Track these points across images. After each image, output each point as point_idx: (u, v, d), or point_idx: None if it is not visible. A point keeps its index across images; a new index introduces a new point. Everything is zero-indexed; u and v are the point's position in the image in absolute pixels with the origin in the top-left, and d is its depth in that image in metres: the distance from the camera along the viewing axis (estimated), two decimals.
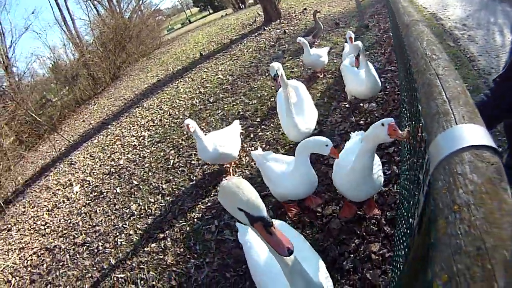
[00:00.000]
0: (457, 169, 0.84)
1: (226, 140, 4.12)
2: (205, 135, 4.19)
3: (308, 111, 3.92)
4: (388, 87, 4.98)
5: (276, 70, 3.51)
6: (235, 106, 6.44)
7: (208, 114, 6.69)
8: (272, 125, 5.12)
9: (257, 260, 2.05)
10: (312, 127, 3.86)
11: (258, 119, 5.47)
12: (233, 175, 4.38)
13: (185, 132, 6.34)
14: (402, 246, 1.73)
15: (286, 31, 8.84)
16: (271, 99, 5.97)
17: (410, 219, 1.46)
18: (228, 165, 4.49)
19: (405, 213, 1.89)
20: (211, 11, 45.27)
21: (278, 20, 11.51)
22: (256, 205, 1.38)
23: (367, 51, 6.45)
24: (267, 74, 7.31)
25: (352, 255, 2.70)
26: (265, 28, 10.98)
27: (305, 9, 7.74)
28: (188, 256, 3.50)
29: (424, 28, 1.92)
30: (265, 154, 3.32)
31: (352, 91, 4.42)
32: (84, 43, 19.53)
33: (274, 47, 8.84)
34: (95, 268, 4.08)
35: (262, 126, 5.22)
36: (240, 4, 27.70)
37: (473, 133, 0.92)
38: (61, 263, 4.54)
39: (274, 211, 3.51)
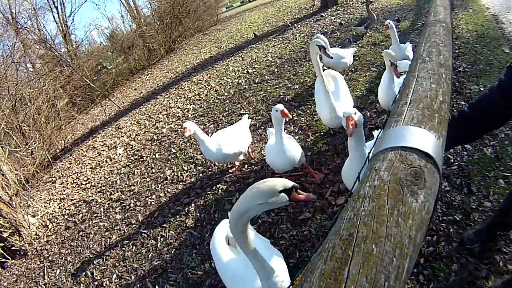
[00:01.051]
0: (376, 165, 0.92)
1: (231, 139, 3.99)
2: (213, 134, 4.24)
3: (345, 98, 4.01)
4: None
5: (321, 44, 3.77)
6: (277, 89, 6.57)
7: (251, 94, 6.87)
8: (308, 111, 5.24)
9: (225, 263, 2.26)
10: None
11: (296, 104, 5.60)
12: (240, 169, 4.49)
13: (226, 109, 6.61)
14: None
15: (342, 22, 8.78)
16: (313, 86, 6.05)
17: None
18: (237, 163, 4.53)
19: None
20: None
21: (335, 7, 11.38)
22: (286, 182, 1.47)
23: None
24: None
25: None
26: (322, 14, 10.91)
27: (370, 1, 7.57)
28: (206, 222, 3.83)
29: (439, 29, 1.93)
30: (272, 129, 3.60)
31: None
32: (142, 16, 20.16)
33: (326, 34, 8.82)
34: (123, 222, 4.56)
35: (299, 111, 5.34)
36: None
37: (412, 136, 0.98)
38: (95, 215, 5.10)
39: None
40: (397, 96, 1.41)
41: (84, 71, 14.30)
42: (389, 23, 5.09)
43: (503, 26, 6.61)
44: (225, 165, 4.72)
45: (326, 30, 9.16)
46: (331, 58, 3.97)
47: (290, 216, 3.40)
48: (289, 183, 1.46)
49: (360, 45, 7.27)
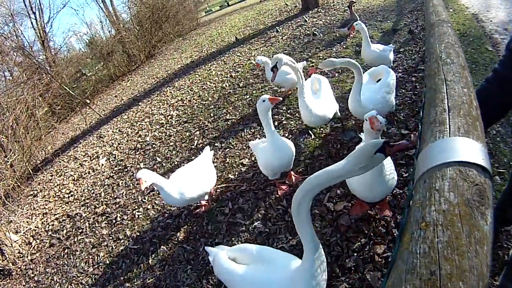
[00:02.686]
0: (436, 185, 0.81)
1: (194, 180, 3.52)
2: (172, 174, 3.70)
3: (326, 100, 4.02)
4: (418, 87, 4.89)
5: (276, 63, 3.68)
6: (263, 93, 6.46)
7: (236, 99, 6.75)
8: (297, 114, 5.12)
9: (242, 274, 2.17)
10: (328, 114, 3.92)
11: (284, 108, 5.49)
12: (208, 207, 4.00)
13: (212, 115, 6.46)
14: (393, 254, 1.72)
15: (316, 33, 8.67)
16: None
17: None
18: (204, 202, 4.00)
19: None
20: None
21: (316, 9, 11.37)
22: (377, 143, 1.52)
23: (401, 48, 6.35)
24: (299, 62, 7.27)
25: (356, 254, 2.72)
26: (304, 17, 10.88)
27: (353, 2, 7.59)
28: (198, 235, 3.64)
29: (448, 29, 1.86)
30: (259, 141, 3.65)
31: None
32: (121, 21, 19.87)
33: (309, 36, 8.77)
34: (111, 238, 4.32)
35: (287, 115, 5.24)
36: None
37: (465, 148, 0.87)
38: (80, 230, 4.83)
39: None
40: (424, 101, 1.33)
41: (63, 79, 13.96)
42: (358, 24, 5.12)
43: (484, 25, 6.66)
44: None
45: (308, 32, 9.09)
46: (272, 80, 3.93)
47: (288, 225, 3.26)
48: (380, 142, 1.49)
49: (344, 46, 7.24)
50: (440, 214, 0.73)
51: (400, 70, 5.43)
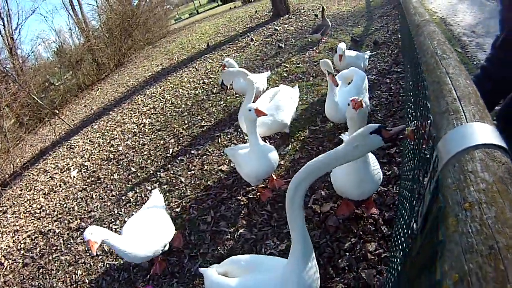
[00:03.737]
0: (468, 167, 0.82)
1: (149, 234, 2.96)
2: (123, 227, 3.05)
3: (282, 108, 4.06)
4: (393, 88, 4.91)
5: (222, 80, 4.00)
6: (237, 98, 6.38)
7: (210, 105, 6.63)
8: None
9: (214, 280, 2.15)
10: (284, 120, 4.04)
11: None
12: (163, 266, 3.34)
13: (186, 122, 6.29)
14: (400, 247, 1.72)
15: (281, 45, 8.58)
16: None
17: (412, 219, 1.44)
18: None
19: (405, 214, 1.87)
20: (219, 2, 44.80)
21: (287, 15, 11.40)
22: (372, 126, 1.55)
23: (374, 52, 6.38)
24: (271, 69, 7.22)
25: (348, 254, 2.68)
26: (275, 23, 10.88)
27: (324, 8, 7.65)
28: (182, 247, 3.46)
29: (435, 28, 1.90)
30: (234, 147, 3.57)
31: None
32: (90, 28, 19.37)
33: (281, 41, 8.75)
34: (88, 254, 4.04)
35: None
36: None
37: (484, 132, 0.90)
38: (54, 248, 4.49)
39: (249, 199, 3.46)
40: (428, 94, 1.34)
41: (31, 88, 13.38)
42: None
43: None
44: (191, 182, 4.39)
45: (280, 38, 9.06)
46: (225, 87, 4.12)
47: (275, 230, 3.18)
48: (374, 125, 1.52)
49: (317, 51, 7.24)
50: (481, 193, 0.74)
51: (374, 73, 5.45)
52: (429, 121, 1.19)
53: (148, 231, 2.96)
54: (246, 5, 21.10)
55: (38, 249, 4.65)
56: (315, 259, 1.83)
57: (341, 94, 3.85)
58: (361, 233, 2.83)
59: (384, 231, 2.77)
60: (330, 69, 3.65)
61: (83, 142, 8.06)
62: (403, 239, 1.67)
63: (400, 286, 1.47)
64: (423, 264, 1.05)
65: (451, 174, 0.86)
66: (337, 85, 3.74)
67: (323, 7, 7.86)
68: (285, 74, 6.69)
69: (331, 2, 11.91)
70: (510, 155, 0.85)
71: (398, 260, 1.68)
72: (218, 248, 3.24)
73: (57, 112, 12.29)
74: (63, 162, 7.36)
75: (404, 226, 1.66)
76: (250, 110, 3.05)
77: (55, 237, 4.70)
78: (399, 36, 6.63)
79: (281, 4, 11.51)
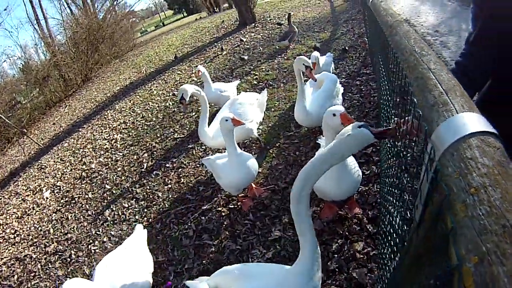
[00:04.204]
0: (467, 154, 0.85)
1: (126, 273, 2.61)
2: (98, 265, 2.69)
3: (241, 115, 4.02)
4: (363, 89, 5.01)
5: (182, 94, 3.86)
6: (209, 109, 6.32)
7: (182, 117, 6.57)
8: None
9: None
10: (248, 126, 4.04)
11: None
12: None
13: (158, 135, 6.20)
14: (392, 243, 1.74)
15: (245, 58, 8.58)
16: None
17: (408, 212, 1.45)
18: None
19: (392, 210, 1.89)
20: (185, 14, 44.74)
21: (253, 24, 11.46)
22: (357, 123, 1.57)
23: (341, 56, 6.48)
24: (240, 77, 7.24)
25: (336, 255, 2.69)
26: (242, 32, 10.92)
27: (291, 14, 7.77)
28: (166, 263, 3.37)
29: (409, 28, 1.92)
30: (211, 157, 3.52)
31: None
32: (57, 43, 18.91)
33: (249, 50, 8.78)
34: (68, 278, 3.84)
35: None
36: (215, 8, 27.59)
37: (476, 121, 0.93)
38: (32, 274, 4.27)
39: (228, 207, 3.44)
40: (412, 90, 1.34)
41: None
42: (200, 69, 5.39)
43: (416, 29, 7.05)
44: (169, 196, 4.32)
45: (247, 47, 9.09)
46: (184, 101, 4.03)
47: (260, 239, 3.15)
48: (359, 123, 1.54)
49: (285, 57, 7.29)
50: (484, 177, 0.76)
51: (343, 76, 5.54)
52: (418, 115, 1.20)
53: (123, 278, 2.57)
54: (212, 15, 21.16)
55: (16, 276, 4.40)
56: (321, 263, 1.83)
57: (311, 99, 3.88)
58: (347, 233, 2.85)
59: (370, 229, 2.80)
60: (307, 63, 3.61)
61: (54, 161, 7.80)
62: (394, 234, 1.69)
63: (397, 280, 1.48)
64: (428, 253, 1.07)
65: (450, 163, 0.88)
66: (315, 80, 3.76)
67: (289, 14, 7.95)
68: (255, 82, 6.71)
69: (296, 9, 12.07)
70: (501, 139, 0.89)
71: (393, 256, 1.69)
72: (204, 261, 3.17)
73: (26, 131, 11.85)
74: (35, 183, 7.10)
75: (396, 220, 1.67)
76: (226, 120, 3.01)
77: (32, 263, 4.48)
78: (366, 39, 6.76)
79: (247, 13, 11.58)
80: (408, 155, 1.60)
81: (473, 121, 0.92)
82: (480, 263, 0.63)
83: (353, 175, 2.60)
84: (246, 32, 10.69)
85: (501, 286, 0.58)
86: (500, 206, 0.69)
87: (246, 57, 8.22)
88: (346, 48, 6.54)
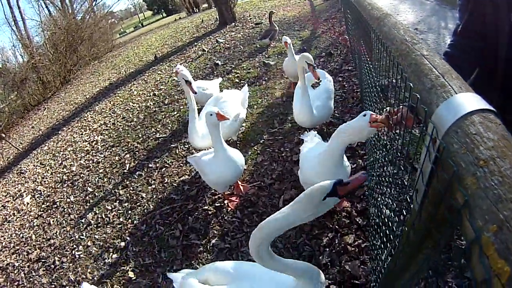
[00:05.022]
0: (471, 130, 0.85)
1: None
2: None
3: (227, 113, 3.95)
4: (346, 85, 5.00)
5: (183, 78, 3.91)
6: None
7: (163, 116, 6.46)
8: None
9: None
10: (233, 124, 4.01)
11: None
12: None
13: (140, 135, 6.06)
14: (383, 233, 1.73)
15: (219, 63, 8.44)
16: None
17: (407, 196, 1.40)
18: None
19: (387, 199, 1.85)
20: (164, 14, 44.34)
21: (233, 23, 11.40)
22: (325, 187, 1.42)
23: (322, 53, 6.47)
24: (222, 75, 7.16)
25: (327, 249, 2.66)
26: (222, 31, 10.84)
27: (272, 12, 7.75)
28: (153, 266, 3.25)
29: (397, 20, 1.89)
30: (197, 154, 3.45)
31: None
32: (35, 45, 18.44)
33: (229, 49, 8.70)
34: (53, 286, 3.69)
35: None
36: (194, 8, 27.40)
37: (475, 100, 0.93)
38: (16, 283, 4.06)
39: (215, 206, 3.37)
40: (406, 77, 1.32)
41: None
42: (287, 40, 4.91)
43: None
44: (153, 196, 4.20)
45: (228, 46, 9.01)
46: (195, 93, 3.98)
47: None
48: (328, 186, 1.41)
49: (266, 55, 7.25)
50: (491, 150, 0.77)
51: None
52: (416, 99, 1.18)
53: None
54: (192, 15, 20.99)
55: None
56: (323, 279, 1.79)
57: (311, 99, 3.59)
58: (337, 227, 2.82)
59: (359, 222, 2.79)
60: (311, 61, 3.45)
61: (34, 165, 7.56)
62: (387, 224, 1.66)
63: (397, 268, 1.44)
64: (427, 236, 1.07)
65: (455, 140, 0.88)
66: (318, 78, 3.65)
67: (270, 12, 7.93)
68: (237, 80, 6.64)
69: (277, 9, 12.08)
70: (500, 116, 0.89)
71: (384, 246, 1.68)
72: (192, 262, 3.07)
73: (4, 135, 11.50)
74: (14, 188, 6.85)
75: (384, 212, 1.65)
76: (211, 114, 2.93)
77: (15, 271, 4.27)
78: (346, 36, 6.76)
79: (227, 12, 11.53)
80: (394, 148, 1.58)
81: (472, 100, 0.93)
82: (499, 230, 0.63)
83: (345, 168, 2.56)
84: (226, 32, 10.63)
85: None
86: (511, 176, 0.69)
87: (219, 62, 8.06)
88: (331, 52, 6.40)
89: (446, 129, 0.92)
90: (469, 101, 0.93)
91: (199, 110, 4.28)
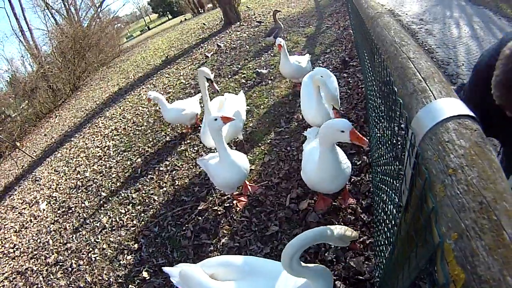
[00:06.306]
0: (444, 137, 0.88)
1: None
2: None
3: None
4: (351, 81, 5.05)
5: (204, 76, 3.88)
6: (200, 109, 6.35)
7: None
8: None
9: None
10: (236, 126, 4.09)
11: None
12: None
13: (150, 139, 6.20)
14: (386, 229, 1.78)
15: (220, 44, 8.57)
16: None
17: (396, 197, 1.51)
18: None
19: (385, 197, 1.92)
20: (170, 16, 44.46)
21: (238, 23, 11.47)
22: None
23: (327, 49, 6.52)
24: (229, 76, 7.25)
25: (333, 246, 2.71)
26: (227, 31, 10.93)
27: (277, 10, 7.81)
28: (167, 265, 3.34)
29: (390, 19, 1.96)
30: (205, 157, 3.56)
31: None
32: (43, 54, 18.75)
33: (235, 49, 8.79)
34: None
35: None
36: (199, 9, 27.46)
37: (452, 105, 0.96)
38: (35, 286, 4.24)
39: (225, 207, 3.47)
40: (392, 80, 1.40)
41: None
42: (281, 42, 4.97)
43: (401, 18, 7.09)
44: (165, 199, 4.33)
45: (234, 46, 9.10)
46: (218, 91, 4.14)
47: (257, 235, 3.18)
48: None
49: (272, 54, 7.32)
50: (461, 158, 0.80)
51: (330, 69, 5.58)
52: (399, 103, 1.25)
53: None
54: (197, 16, 21.05)
55: None
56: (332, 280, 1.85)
57: (319, 100, 3.57)
58: (342, 224, 2.87)
59: (364, 218, 2.85)
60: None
61: (48, 172, 7.76)
62: (387, 220, 1.73)
63: (392, 264, 1.51)
64: (417, 235, 1.10)
65: (429, 146, 0.92)
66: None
67: (275, 10, 7.97)
68: (243, 81, 6.72)
69: (281, 6, 12.09)
70: (478, 121, 0.91)
71: (387, 242, 1.73)
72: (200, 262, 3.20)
73: (17, 144, 11.77)
74: (30, 195, 7.07)
75: (389, 206, 1.71)
76: (216, 119, 3.00)
77: (33, 275, 4.45)
78: (351, 31, 6.79)
79: (231, 12, 11.59)
80: (399, 143, 1.62)
81: (450, 106, 0.96)
82: (459, 238, 0.67)
83: (344, 170, 2.62)
84: (232, 32, 10.70)
85: (480, 259, 0.61)
86: (477, 184, 0.72)
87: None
88: (346, 59, 6.10)
89: (422, 136, 0.97)
90: (446, 106, 0.96)
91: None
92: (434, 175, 0.85)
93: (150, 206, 4.39)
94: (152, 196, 4.57)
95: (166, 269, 2.34)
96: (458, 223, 0.70)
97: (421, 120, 1.00)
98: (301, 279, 1.79)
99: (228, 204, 3.73)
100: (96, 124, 9.05)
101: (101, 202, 5.15)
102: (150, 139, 6.25)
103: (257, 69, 6.67)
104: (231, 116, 3.13)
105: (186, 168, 4.79)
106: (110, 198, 5.11)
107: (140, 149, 6.09)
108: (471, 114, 0.92)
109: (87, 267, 3.99)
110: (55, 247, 4.74)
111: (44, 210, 6.04)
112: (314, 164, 2.67)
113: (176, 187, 4.49)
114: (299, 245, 1.63)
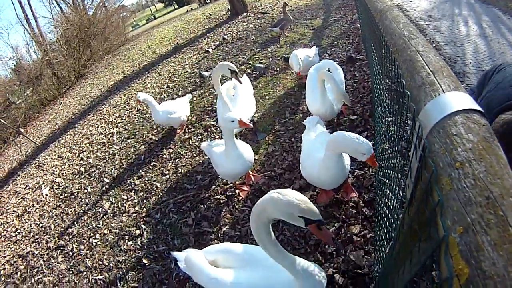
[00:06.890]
0: (452, 131, 0.87)
1: None
2: None
3: (243, 104, 4.14)
4: (357, 75, 5.01)
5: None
6: (203, 99, 6.33)
7: None
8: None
9: (212, 275, 1.96)
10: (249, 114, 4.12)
11: None
12: None
13: (154, 127, 6.19)
14: (387, 224, 1.77)
15: (226, 37, 8.54)
16: None
17: (400, 191, 1.50)
18: None
19: (388, 191, 1.92)
20: (176, 6, 44.27)
21: (245, 14, 11.40)
22: (314, 212, 1.51)
23: (334, 42, 6.47)
24: (236, 66, 7.21)
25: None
26: (234, 22, 10.88)
27: (286, 3, 7.76)
28: (166, 252, 3.38)
29: (399, 13, 1.93)
30: (210, 142, 3.55)
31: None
32: (48, 42, 18.72)
33: (242, 39, 8.74)
34: (71, 272, 3.88)
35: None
36: None
37: (461, 99, 0.94)
38: (35, 270, 4.26)
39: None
40: (400, 73, 1.38)
41: None
42: (140, 97, 5.18)
43: (409, 14, 7.03)
44: (167, 186, 4.32)
45: (240, 36, 9.05)
46: (241, 83, 4.09)
47: None
48: (315, 215, 1.51)
49: (278, 45, 7.28)
50: (469, 152, 0.79)
51: (337, 62, 5.52)
52: (407, 96, 1.24)
53: None
54: (203, 6, 20.97)
55: (19, 273, 4.40)
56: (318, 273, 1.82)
57: (325, 93, 3.60)
58: (343, 217, 2.87)
59: (366, 212, 2.83)
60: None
61: (52, 158, 7.78)
62: (390, 215, 1.72)
63: (393, 259, 1.49)
64: (421, 229, 1.09)
65: (437, 139, 0.91)
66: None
67: (284, 3, 7.95)
68: (249, 71, 6.69)
69: None
70: (486, 116, 0.90)
71: (388, 237, 1.72)
72: (204, 248, 3.19)
73: (22, 130, 11.80)
74: (33, 181, 7.09)
75: (392, 201, 1.69)
76: (233, 121, 2.98)
77: (35, 259, 4.48)
78: (359, 25, 6.74)
79: (238, 3, 11.54)
80: (402, 138, 1.61)
81: (458, 100, 0.95)
82: (465, 233, 0.66)
83: (343, 168, 2.63)
84: (238, 22, 10.64)
85: (485, 254, 0.60)
86: (484, 179, 0.71)
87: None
88: (352, 56, 5.93)
89: (430, 129, 0.95)
90: (455, 100, 0.95)
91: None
92: (441, 168, 0.85)
93: (153, 193, 4.38)
94: (154, 183, 4.57)
95: (174, 253, 2.35)
96: (464, 217, 0.69)
97: (429, 112, 1.00)
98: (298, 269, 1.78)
99: (230, 193, 3.71)
100: (101, 111, 9.05)
101: (104, 188, 5.16)
102: (154, 127, 6.23)
103: (255, 64, 6.65)
104: (248, 123, 3.07)
105: (189, 156, 4.78)
106: (112, 185, 5.11)
107: (144, 137, 6.09)
108: (479, 109, 0.91)
109: (88, 251, 4.00)
110: (57, 231, 4.75)
111: (46, 195, 6.06)
112: (314, 161, 2.67)
113: (179, 174, 4.48)
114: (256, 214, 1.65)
